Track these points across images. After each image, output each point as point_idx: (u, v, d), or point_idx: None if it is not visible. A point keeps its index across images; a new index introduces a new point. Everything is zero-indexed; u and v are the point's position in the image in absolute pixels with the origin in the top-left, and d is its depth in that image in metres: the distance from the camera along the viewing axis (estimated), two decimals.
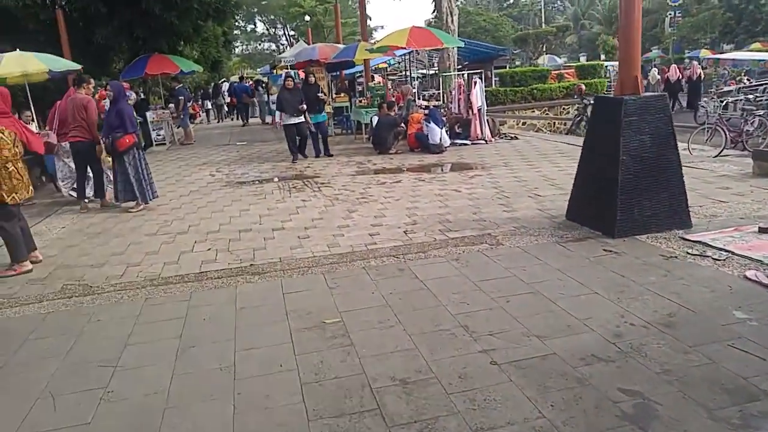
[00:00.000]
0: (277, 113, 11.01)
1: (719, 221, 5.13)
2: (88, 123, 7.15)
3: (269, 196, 7.69)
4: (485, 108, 12.07)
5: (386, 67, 25.46)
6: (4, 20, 14.21)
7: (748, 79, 21.42)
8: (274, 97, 14.50)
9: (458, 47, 15.50)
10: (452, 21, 15.44)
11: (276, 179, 9.08)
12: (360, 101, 14.34)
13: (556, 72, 25.52)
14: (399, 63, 25.76)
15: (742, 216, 5.27)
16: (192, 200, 7.79)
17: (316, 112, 10.97)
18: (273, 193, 7.94)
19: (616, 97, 5.04)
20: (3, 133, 4.78)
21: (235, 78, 29.91)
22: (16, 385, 3.12)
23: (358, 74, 20.04)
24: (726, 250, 4.31)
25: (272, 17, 51.50)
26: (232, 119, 25.83)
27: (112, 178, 7.58)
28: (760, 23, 38.65)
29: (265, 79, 23.08)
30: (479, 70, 14.19)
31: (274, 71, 22.09)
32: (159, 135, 14.84)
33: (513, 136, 12.80)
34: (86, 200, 7.63)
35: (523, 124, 19.13)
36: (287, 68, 17.11)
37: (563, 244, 4.81)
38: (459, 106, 12.18)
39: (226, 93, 26.00)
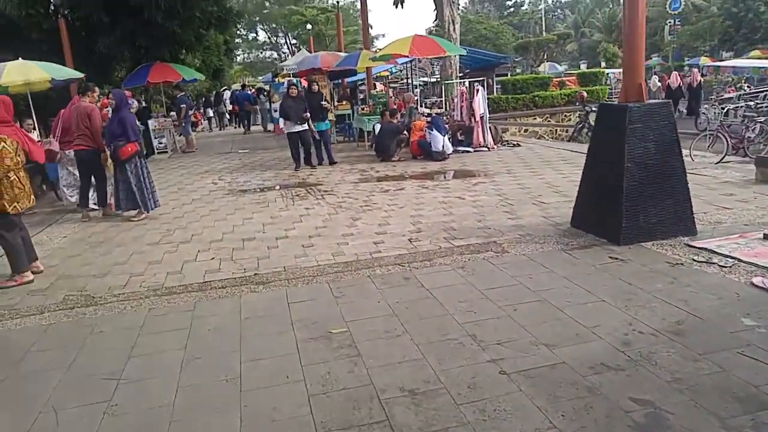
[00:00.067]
0: (280, 120, 11.03)
1: (724, 228, 5.11)
2: (92, 131, 7.13)
3: (272, 205, 7.67)
4: (487, 115, 12.09)
5: (388, 75, 25.57)
6: (7, 29, 14.32)
7: (747, 86, 21.51)
8: (276, 105, 14.53)
9: (460, 55, 15.58)
10: (454, 29, 15.53)
11: (278, 187, 9.08)
12: (362, 109, 14.36)
13: (558, 79, 25.54)
14: (401, 71, 25.88)
15: (746, 222, 5.25)
16: (194, 209, 7.77)
17: (320, 119, 10.99)
18: (276, 201, 7.92)
19: (621, 105, 5.03)
20: (5, 142, 4.74)
21: (237, 86, 30.01)
22: (17, 399, 3.07)
23: (360, 82, 20.11)
24: (732, 257, 4.29)
25: (274, 26, 51.75)
26: (234, 127, 25.90)
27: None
28: (759, 31, 38.83)
29: (267, 87, 23.16)
30: (481, 78, 14.25)
31: (276, 79, 22.17)
32: (161, 143, 14.87)
33: (515, 143, 12.81)
34: (88, 209, 7.62)
35: (525, 131, 19.13)
36: (290, 76, 17.16)
37: (569, 251, 4.78)
38: (461, 113, 12.22)
39: (227, 101, 26.11)
